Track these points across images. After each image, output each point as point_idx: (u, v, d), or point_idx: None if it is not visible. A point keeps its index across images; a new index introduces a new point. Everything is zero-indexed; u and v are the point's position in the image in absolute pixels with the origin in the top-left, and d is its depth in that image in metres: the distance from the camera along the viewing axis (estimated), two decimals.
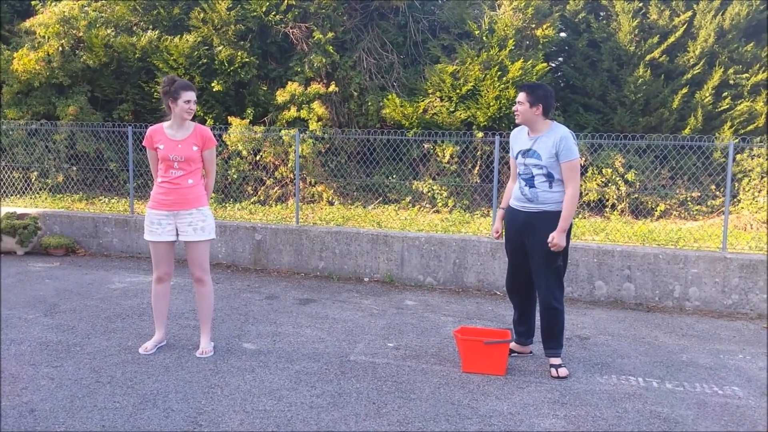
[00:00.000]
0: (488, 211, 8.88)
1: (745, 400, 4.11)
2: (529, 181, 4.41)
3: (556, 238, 4.26)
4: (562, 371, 4.40)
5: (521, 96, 4.39)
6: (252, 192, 9.68)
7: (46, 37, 9.60)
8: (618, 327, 5.66)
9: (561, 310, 4.43)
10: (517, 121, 4.51)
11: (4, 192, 9.42)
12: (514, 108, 4.49)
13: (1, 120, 9.69)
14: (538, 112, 4.35)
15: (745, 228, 8.67)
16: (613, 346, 5.11)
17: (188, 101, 4.41)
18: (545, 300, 4.43)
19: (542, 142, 4.35)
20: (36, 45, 9.66)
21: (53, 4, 9.91)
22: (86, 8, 10.00)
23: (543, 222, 4.34)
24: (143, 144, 4.61)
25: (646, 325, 5.75)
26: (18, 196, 9.42)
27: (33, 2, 10.18)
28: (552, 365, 4.45)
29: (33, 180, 9.64)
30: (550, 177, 4.34)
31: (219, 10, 9.59)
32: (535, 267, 4.45)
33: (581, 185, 9.32)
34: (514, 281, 4.70)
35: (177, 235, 4.53)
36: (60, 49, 9.54)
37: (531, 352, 4.83)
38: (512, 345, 4.72)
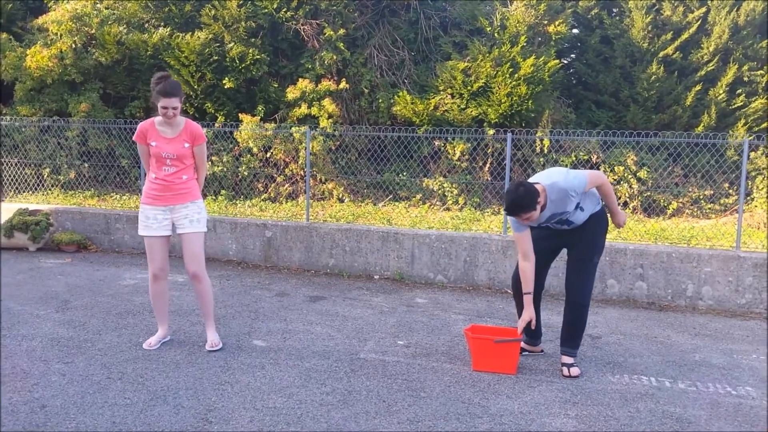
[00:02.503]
0: (499, 209, 8.84)
1: (759, 401, 4.06)
2: (566, 223, 4.35)
3: (622, 219, 4.48)
4: (574, 370, 4.36)
5: (526, 215, 4.06)
6: (262, 189, 9.69)
7: (59, 35, 9.64)
8: (630, 326, 5.62)
9: (588, 308, 4.39)
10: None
11: (17, 188, 9.47)
12: (525, 221, 4.15)
13: (14, 116, 9.74)
14: (540, 207, 4.12)
15: (759, 226, 8.59)
16: (625, 345, 5.07)
17: (165, 108, 4.30)
18: (577, 297, 4.34)
19: (556, 207, 4.20)
20: (49, 42, 9.71)
21: (66, 1, 9.95)
22: (98, 5, 10.03)
23: (588, 223, 4.35)
24: (134, 139, 4.53)
25: (659, 324, 5.70)
26: (30, 192, 9.48)
27: None
28: (564, 364, 4.41)
29: (45, 176, 9.69)
30: (581, 208, 4.28)
31: (230, 8, 9.60)
32: (575, 262, 4.37)
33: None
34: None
35: (173, 229, 4.56)
36: (72, 46, 9.58)
37: (542, 351, 4.80)
38: (523, 344, 4.69)
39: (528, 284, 4.31)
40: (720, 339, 5.35)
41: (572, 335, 4.42)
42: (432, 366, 4.48)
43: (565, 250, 4.58)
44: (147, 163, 4.58)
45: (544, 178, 4.21)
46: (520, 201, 4.04)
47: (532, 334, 4.70)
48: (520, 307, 4.57)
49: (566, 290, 4.43)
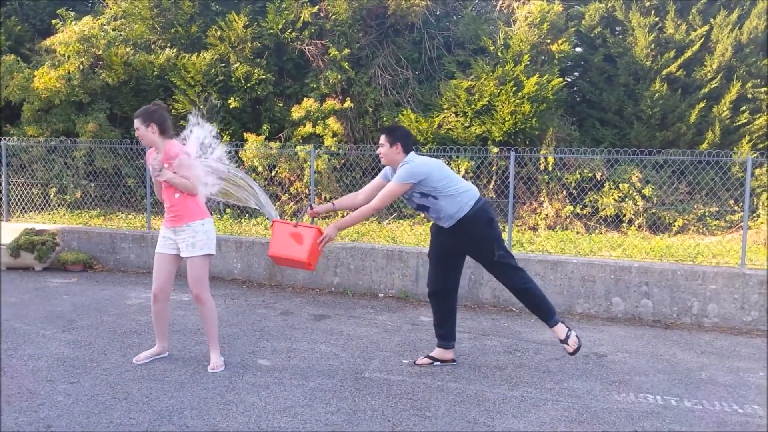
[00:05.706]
0: (503, 227, 8.83)
1: (766, 419, 4.03)
2: (422, 209, 4.62)
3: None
4: (572, 340, 4.53)
5: (386, 140, 4.63)
6: None
7: (66, 56, 9.76)
8: (636, 344, 5.60)
9: (530, 287, 4.60)
10: (383, 162, 4.71)
11: (23, 208, 9.53)
12: (380, 147, 4.69)
13: (21, 137, 9.83)
14: (398, 150, 4.61)
15: (764, 243, 8.56)
16: (630, 364, 5.05)
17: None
18: (516, 285, 4.59)
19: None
20: (56, 63, 9.82)
21: (73, 23, 10.08)
22: (106, 27, 10.17)
23: (467, 228, 4.50)
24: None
25: (664, 342, 5.68)
26: (37, 212, 9.54)
27: (53, 21, 10.37)
28: (561, 340, 4.58)
29: (52, 196, 9.76)
30: (426, 195, 4.51)
31: (236, 28, 9.71)
32: (487, 267, 4.66)
33: (598, 200, 9.28)
34: (438, 283, 4.78)
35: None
36: (80, 67, 9.69)
37: (454, 361, 4.85)
38: (434, 352, 4.83)
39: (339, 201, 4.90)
40: (726, 357, 5.32)
41: (538, 311, 4.62)
42: (437, 385, 4.47)
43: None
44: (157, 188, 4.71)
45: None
46: (401, 130, 4.75)
47: (444, 336, 4.80)
48: (438, 312, 4.81)
49: (506, 287, 4.68)
